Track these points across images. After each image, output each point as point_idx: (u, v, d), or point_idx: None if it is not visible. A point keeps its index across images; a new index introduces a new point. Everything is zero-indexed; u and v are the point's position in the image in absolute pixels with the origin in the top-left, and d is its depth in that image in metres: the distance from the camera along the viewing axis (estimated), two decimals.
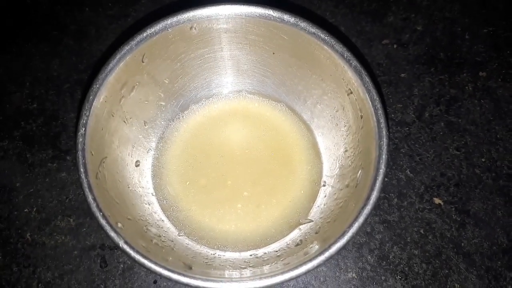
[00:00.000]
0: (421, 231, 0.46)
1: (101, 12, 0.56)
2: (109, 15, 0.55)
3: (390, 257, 0.45)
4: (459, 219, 0.46)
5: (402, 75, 0.52)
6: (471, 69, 0.52)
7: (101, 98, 0.38)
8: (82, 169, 0.35)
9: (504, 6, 0.55)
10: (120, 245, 0.33)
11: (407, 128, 0.50)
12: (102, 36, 0.54)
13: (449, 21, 0.54)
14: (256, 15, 0.40)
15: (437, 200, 0.47)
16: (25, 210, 0.47)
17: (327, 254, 0.33)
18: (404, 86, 0.51)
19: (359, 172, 0.39)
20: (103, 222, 0.34)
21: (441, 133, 0.49)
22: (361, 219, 0.34)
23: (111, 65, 0.38)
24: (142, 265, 0.33)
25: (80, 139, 0.36)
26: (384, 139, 0.36)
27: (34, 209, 0.47)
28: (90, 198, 0.34)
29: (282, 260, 0.39)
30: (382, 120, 0.36)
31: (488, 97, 0.51)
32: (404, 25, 0.54)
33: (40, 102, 0.51)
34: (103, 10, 0.56)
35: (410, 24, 0.54)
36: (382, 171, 0.35)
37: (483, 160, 0.48)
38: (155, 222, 0.43)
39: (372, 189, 0.35)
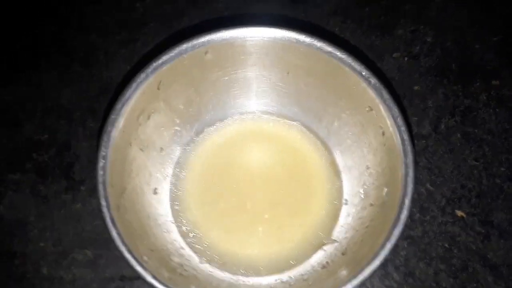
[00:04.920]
0: (446, 245, 0.45)
1: (109, 37, 0.55)
2: (117, 40, 0.55)
3: (417, 273, 0.44)
4: (483, 231, 0.45)
5: (415, 87, 0.51)
6: (484, 78, 0.52)
7: (119, 128, 0.37)
8: (103, 203, 0.34)
9: (508, 14, 0.55)
10: (148, 279, 0.32)
11: (424, 141, 0.49)
12: (112, 61, 0.53)
13: (458, 31, 0.54)
14: (270, 37, 0.39)
15: (459, 213, 0.46)
16: (41, 244, 0.46)
17: (361, 277, 0.32)
18: (418, 99, 0.51)
19: (385, 190, 0.38)
20: (129, 256, 0.33)
21: (458, 144, 0.49)
22: (393, 240, 0.33)
23: (128, 94, 0.37)
24: None
25: (101, 172, 0.35)
26: (410, 156, 0.36)
27: (50, 243, 0.46)
28: (114, 233, 0.33)
29: (310, 285, 0.38)
30: (406, 137, 0.36)
31: (503, 106, 0.50)
32: (413, 37, 0.54)
33: (52, 132, 0.50)
34: (111, 35, 0.55)
35: (420, 36, 0.54)
36: (410, 189, 0.34)
37: (502, 169, 0.48)
38: (176, 251, 0.42)
39: (401, 208, 0.34)
